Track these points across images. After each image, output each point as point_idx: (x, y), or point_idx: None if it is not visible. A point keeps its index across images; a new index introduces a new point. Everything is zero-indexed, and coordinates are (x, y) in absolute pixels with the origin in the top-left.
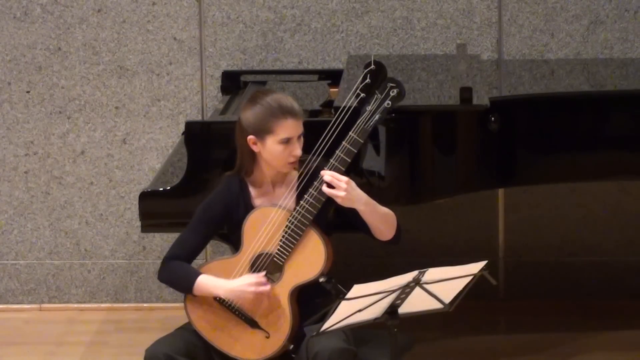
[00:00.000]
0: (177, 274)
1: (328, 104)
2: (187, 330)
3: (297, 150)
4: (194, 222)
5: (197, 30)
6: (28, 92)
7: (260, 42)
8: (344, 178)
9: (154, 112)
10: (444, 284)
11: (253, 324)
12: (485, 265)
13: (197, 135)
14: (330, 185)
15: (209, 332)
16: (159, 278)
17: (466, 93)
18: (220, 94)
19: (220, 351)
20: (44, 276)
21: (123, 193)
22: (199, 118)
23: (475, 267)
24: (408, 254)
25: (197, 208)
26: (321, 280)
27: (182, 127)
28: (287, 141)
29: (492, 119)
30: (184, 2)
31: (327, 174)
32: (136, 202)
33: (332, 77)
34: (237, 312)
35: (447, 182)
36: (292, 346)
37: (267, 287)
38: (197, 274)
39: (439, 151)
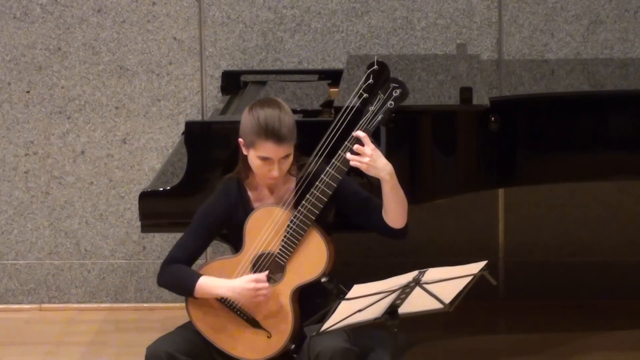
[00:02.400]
0: (177, 278)
1: (328, 104)
2: (189, 328)
3: (275, 172)
4: (193, 225)
5: (197, 30)
6: (28, 92)
7: (260, 42)
8: (371, 145)
9: (154, 112)
10: (444, 284)
11: (255, 324)
12: (485, 265)
13: (197, 135)
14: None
15: (211, 332)
16: (159, 283)
17: (466, 93)
18: (220, 94)
19: (222, 351)
20: (44, 276)
21: (123, 193)
22: (199, 118)
23: (475, 267)
24: (408, 254)
25: (196, 211)
26: (323, 280)
27: (182, 127)
28: (265, 159)
29: (492, 119)
30: (184, 2)
31: (359, 133)
32: (136, 202)
33: (332, 77)
34: (238, 312)
35: (447, 182)
36: (293, 346)
37: (266, 286)
38: (198, 276)
39: (439, 151)
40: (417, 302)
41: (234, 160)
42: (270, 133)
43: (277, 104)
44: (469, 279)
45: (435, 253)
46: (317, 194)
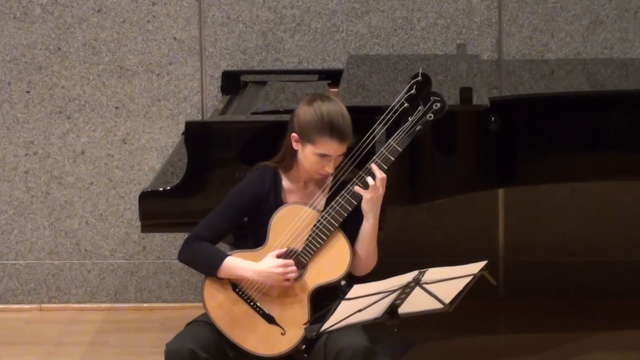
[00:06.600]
0: (203, 254)
1: None
2: (200, 324)
3: (330, 168)
4: (222, 206)
5: (197, 30)
6: (28, 92)
7: (260, 42)
8: (383, 175)
9: (154, 112)
10: (444, 284)
11: (270, 319)
12: (485, 265)
13: (197, 135)
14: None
15: (224, 323)
16: (180, 258)
17: (466, 93)
18: (220, 94)
19: (234, 344)
20: (44, 276)
21: (123, 193)
22: (199, 118)
23: (475, 267)
24: (408, 254)
25: (229, 192)
26: (342, 283)
27: (182, 127)
28: (324, 156)
29: (492, 119)
30: (184, 2)
31: (375, 168)
32: (136, 202)
33: (332, 77)
34: (254, 306)
35: (447, 182)
36: (304, 347)
37: (294, 270)
38: (225, 254)
39: (439, 151)
40: (417, 302)
41: (234, 160)
42: (335, 131)
43: (335, 100)
44: (469, 279)
45: (435, 253)
46: (348, 196)
